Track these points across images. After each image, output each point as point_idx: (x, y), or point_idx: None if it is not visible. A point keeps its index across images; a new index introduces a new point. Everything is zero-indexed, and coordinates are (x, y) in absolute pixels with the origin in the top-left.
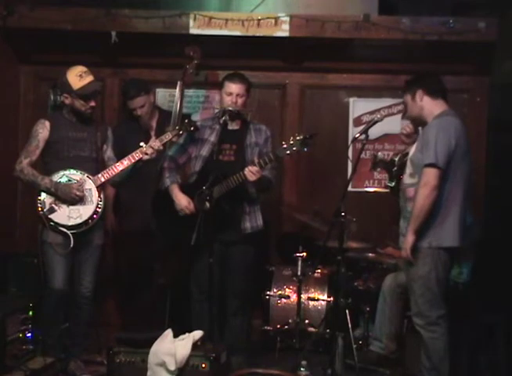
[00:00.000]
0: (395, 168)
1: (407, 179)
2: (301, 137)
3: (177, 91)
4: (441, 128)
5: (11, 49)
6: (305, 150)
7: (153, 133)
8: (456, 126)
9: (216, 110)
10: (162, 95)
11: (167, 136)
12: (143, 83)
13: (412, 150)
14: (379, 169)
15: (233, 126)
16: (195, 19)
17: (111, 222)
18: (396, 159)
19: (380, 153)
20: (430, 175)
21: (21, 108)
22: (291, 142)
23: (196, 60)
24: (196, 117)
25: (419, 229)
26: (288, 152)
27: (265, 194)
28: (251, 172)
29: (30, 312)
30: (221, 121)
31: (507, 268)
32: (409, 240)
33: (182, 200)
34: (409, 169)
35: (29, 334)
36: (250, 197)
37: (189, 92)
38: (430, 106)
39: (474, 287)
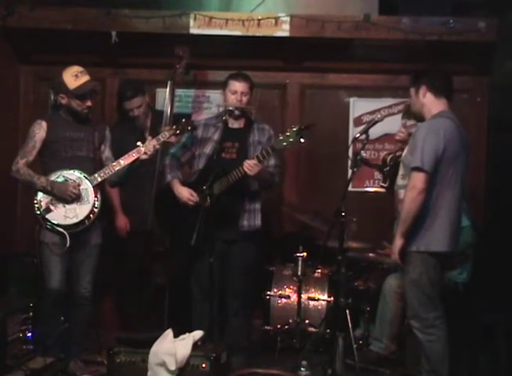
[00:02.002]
0: (387, 168)
1: (399, 181)
2: (297, 128)
3: (167, 91)
4: (430, 130)
5: (11, 49)
6: (302, 141)
7: (147, 133)
8: (447, 128)
9: (220, 109)
10: (162, 95)
11: (164, 135)
12: (139, 84)
13: (405, 151)
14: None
15: (237, 125)
16: (195, 19)
17: (125, 223)
18: (388, 158)
19: (362, 152)
20: (417, 179)
21: (21, 108)
22: (287, 133)
23: (186, 60)
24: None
25: (407, 232)
26: (285, 143)
27: (267, 192)
28: (249, 166)
29: (31, 313)
30: (223, 120)
31: (507, 268)
32: (397, 243)
33: (184, 193)
34: (401, 171)
35: (29, 334)
36: (251, 194)
37: (188, 91)
38: (431, 104)
39: (474, 287)
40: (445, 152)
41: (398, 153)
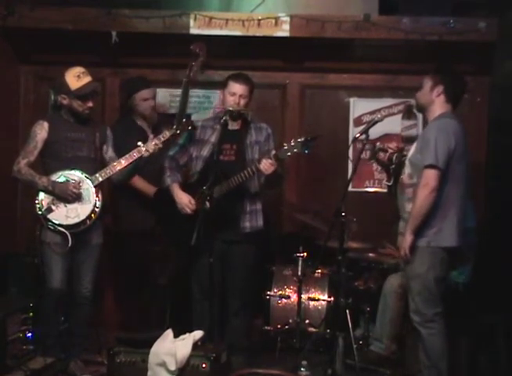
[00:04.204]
0: (393, 166)
1: (406, 180)
2: (303, 139)
3: (182, 89)
4: (440, 129)
5: (11, 49)
6: (306, 152)
7: (150, 132)
8: (454, 127)
9: (218, 110)
10: (162, 95)
11: (166, 135)
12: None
13: (412, 150)
14: (381, 154)
15: (234, 126)
16: (195, 19)
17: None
18: (394, 157)
19: (378, 143)
20: (430, 176)
21: (21, 108)
22: (292, 143)
23: (202, 57)
24: (195, 117)
25: (418, 228)
26: (289, 154)
27: (274, 190)
28: (266, 165)
29: (31, 313)
30: (222, 121)
31: (507, 268)
32: (407, 239)
33: (183, 199)
34: (407, 169)
35: (29, 334)
36: (251, 195)
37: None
38: (439, 105)
39: (475, 286)
40: (455, 150)
41: (402, 152)
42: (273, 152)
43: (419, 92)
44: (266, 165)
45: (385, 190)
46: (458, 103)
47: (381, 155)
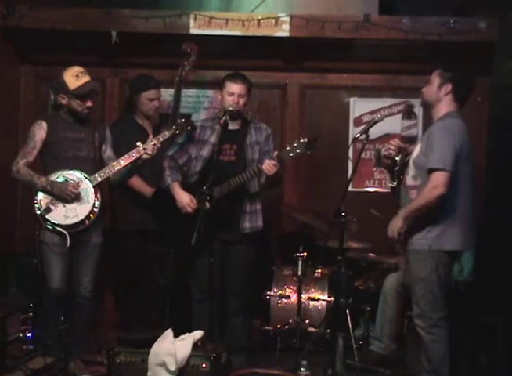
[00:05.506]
0: (397, 168)
1: (410, 181)
2: (306, 141)
3: (174, 88)
4: (447, 130)
5: (11, 49)
6: (309, 153)
7: (150, 132)
8: (460, 128)
9: (216, 110)
10: (162, 95)
11: (165, 135)
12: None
13: (416, 151)
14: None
15: (233, 126)
16: (195, 19)
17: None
18: (398, 158)
19: (383, 149)
20: (439, 179)
21: (21, 108)
22: (295, 144)
23: (194, 57)
24: (196, 117)
25: (412, 219)
26: (292, 154)
27: (274, 189)
28: (268, 166)
29: (31, 313)
30: (222, 121)
31: (508, 267)
32: (398, 223)
33: (184, 198)
34: (411, 171)
35: (29, 334)
36: (251, 196)
37: (189, 91)
38: (445, 103)
39: (475, 286)
40: (461, 151)
41: (405, 153)
42: (276, 153)
43: (426, 88)
44: (269, 166)
45: (386, 190)
46: (465, 102)
47: (385, 160)
